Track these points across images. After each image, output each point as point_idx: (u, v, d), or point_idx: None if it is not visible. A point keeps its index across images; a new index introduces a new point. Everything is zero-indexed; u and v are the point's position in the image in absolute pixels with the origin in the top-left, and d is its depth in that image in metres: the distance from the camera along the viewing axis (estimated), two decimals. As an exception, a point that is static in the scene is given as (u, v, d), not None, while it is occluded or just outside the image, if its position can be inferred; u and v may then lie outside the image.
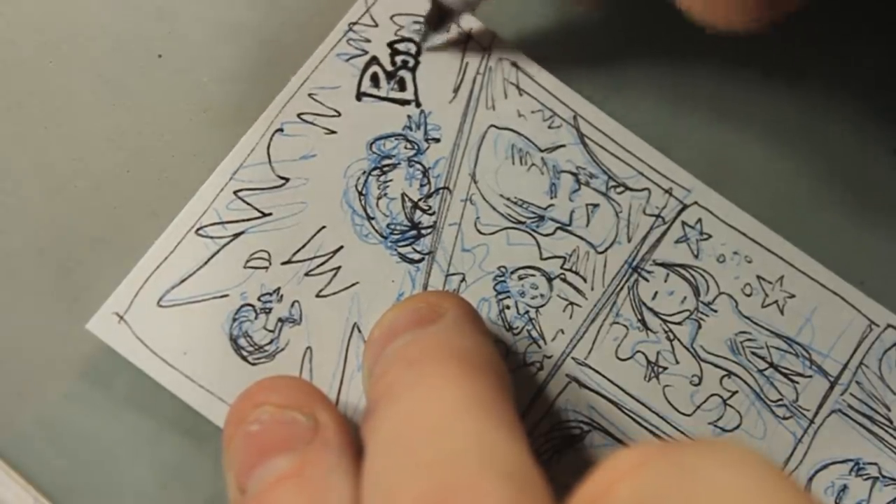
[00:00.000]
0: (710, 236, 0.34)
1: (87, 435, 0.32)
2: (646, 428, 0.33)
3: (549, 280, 0.34)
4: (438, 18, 0.34)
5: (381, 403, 0.26)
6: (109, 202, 0.33)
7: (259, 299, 0.32)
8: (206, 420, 0.32)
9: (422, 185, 0.34)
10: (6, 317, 0.33)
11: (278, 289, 0.33)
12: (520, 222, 0.34)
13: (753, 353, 0.34)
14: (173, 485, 0.32)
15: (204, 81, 0.34)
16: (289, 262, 0.33)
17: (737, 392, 0.34)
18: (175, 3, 0.35)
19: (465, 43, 0.35)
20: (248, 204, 0.33)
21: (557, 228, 0.34)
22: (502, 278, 0.34)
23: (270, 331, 0.32)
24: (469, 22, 0.35)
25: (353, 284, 0.33)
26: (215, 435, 0.32)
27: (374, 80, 0.34)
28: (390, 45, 0.35)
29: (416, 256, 0.33)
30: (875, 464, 0.34)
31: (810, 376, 0.34)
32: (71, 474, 0.32)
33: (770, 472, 0.20)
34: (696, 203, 0.35)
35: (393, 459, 0.24)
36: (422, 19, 0.35)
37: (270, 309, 0.32)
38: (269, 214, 0.33)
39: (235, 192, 0.33)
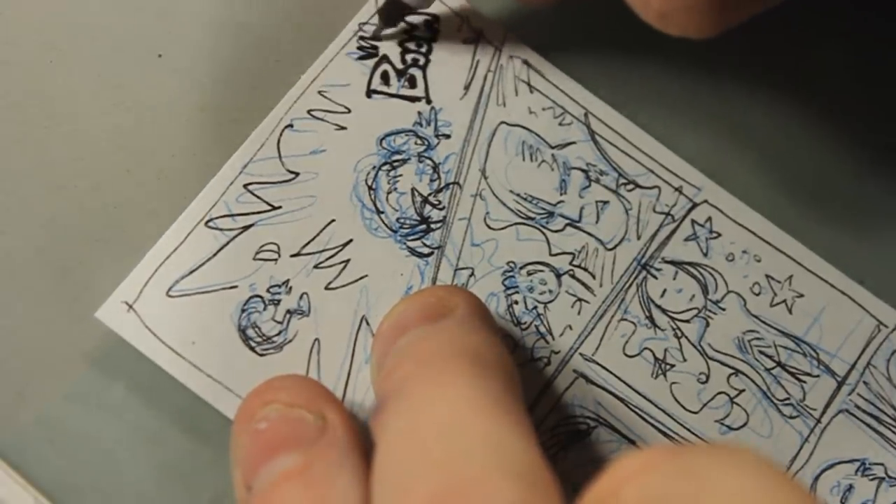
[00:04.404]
0: (719, 235, 0.34)
1: (87, 435, 0.32)
2: (652, 425, 0.33)
3: (558, 276, 0.34)
4: (393, 13, 0.34)
5: (392, 400, 0.26)
6: (109, 202, 0.33)
7: (268, 291, 0.33)
8: (206, 420, 0.32)
9: (432, 180, 0.34)
10: (6, 317, 0.33)
11: (287, 281, 0.33)
12: (529, 218, 0.34)
13: (761, 352, 0.34)
14: (173, 485, 0.32)
15: (204, 81, 0.34)
16: (298, 254, 0.33)
17: (744, 390, 0.34)
18: (175, 3, 0.35)
19: (477, 40, 0.35)
20: (257, 197, 0.33)
21: (567, 225, 0.34)
22: (511, 273, 0.34)
23: (279, 322, 0.32)
24: (480, 20, 0.35)
25: (362, 277, 0.33)
26: (216, 435, 0.32)
27: (385, 77, 0.35)
28: (401, 43, 0.35)
29: (426, 250, 0.34)
30: (881, 464, 0.33)
31: (818, 376, 0.34)
32: (71, 474, 0.32)
33: (777, 476, 0.20)
34: (705, 201, 0.35)
35: (404, 457, 0.24)
36: (376, 16, 0.35)
37: (279, 300, 0.33)
38: (279, 207, 0.33)
39: (245, 186, 0.33)
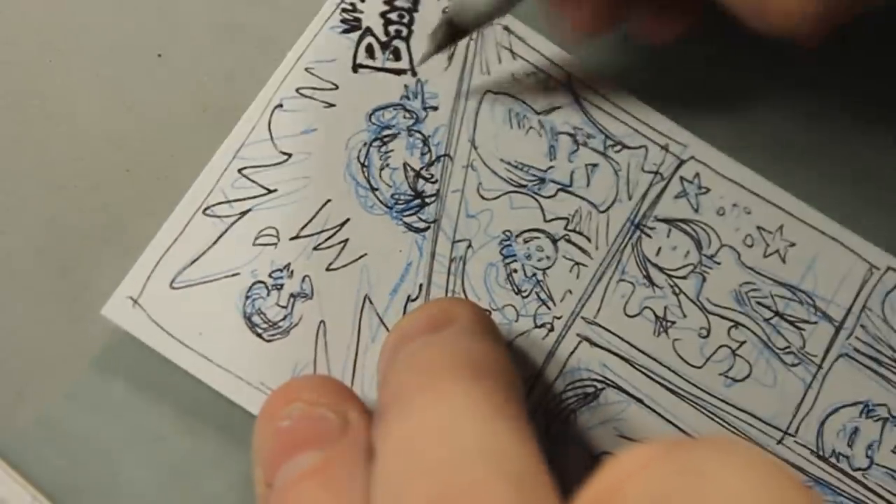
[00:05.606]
0: (708, 190, 0.35)
1: (87, 435, 0.32)
2: (658, 382, 0.33)
3: (554, 242, 0.34)
4: (446, 37, 0.32)
5: (391, 408, 0.26)
6: (109, 202, 0.33)
7: (270, 276, 0.32)
8: (206, 420, 0.32)
9: (423, 154, 0.34)
10: (6, 317, 0.33)
11: (288, 264, 0.33)
12: (521, 186, 0.34)
13: (759, 303, 0.34)
14: (173, 485, 0.32)
15: (204, 81, 0.34)
16: (297, 237, 0.33)
17: (745, 342, 0.34)
18: (175, 3, 0.35)
19: (457, 10, 0.35)
20: (253, 181, 0.33)
21: (559, 190, 0.34)
22: (508, 242, 0.34)
23: (283, 307, 0.32)
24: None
25: (362, 256, 0.33)
26: (216, 434, 0.32)
27: (370, 51, 0.34)
28: (383, 15, 0.35)
29: (422, 225, 0.34)
30: (884, 405, 0.34)
31: (816, 322, 0.34)
32: (71, 474, 0.32)
33: (776, 473, 0.20)
34: (692, 158, 0.35)
35: (401, 462, 0.24)
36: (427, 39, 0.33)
37: (282, 285, 0.32)
38: (275, 191, 0.33)
39: (240, 171, 0.33)
